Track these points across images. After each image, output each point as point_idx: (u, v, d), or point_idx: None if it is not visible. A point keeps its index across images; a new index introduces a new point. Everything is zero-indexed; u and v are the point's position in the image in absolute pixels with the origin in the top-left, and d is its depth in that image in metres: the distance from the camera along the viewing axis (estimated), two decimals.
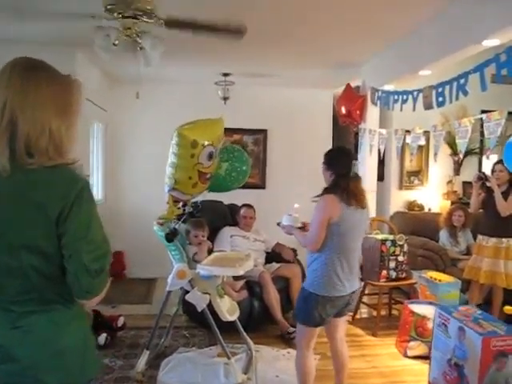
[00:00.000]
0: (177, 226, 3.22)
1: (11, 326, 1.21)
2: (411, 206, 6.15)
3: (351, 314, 4.23)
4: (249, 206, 4.52)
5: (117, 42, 2.56)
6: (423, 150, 5.98)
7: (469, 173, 5.65)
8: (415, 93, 3.62)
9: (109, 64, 4.84)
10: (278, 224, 2.83)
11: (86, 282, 1.22)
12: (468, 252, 4.78)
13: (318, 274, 2.53)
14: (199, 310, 3.06)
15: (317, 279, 2.53)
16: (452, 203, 5.67)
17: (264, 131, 6.18)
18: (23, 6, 3.11)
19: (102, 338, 3.52)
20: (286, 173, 6.12)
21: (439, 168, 5.95)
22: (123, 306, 4.54)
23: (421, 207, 6.15)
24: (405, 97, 3.74)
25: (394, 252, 4.19)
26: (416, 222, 5.52)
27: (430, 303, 3.76)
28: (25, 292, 1.22)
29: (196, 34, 2.89)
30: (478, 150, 5.86)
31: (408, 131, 4.20)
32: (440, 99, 3.25)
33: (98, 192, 5.43)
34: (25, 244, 1.19)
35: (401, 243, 4.23)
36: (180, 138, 3.02)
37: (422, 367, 3.37)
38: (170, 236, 3.08)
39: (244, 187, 5.98)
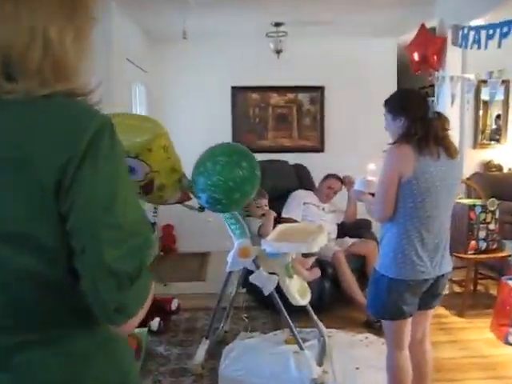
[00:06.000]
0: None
1: None
2: (488, 166, 5.45)
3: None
4: (338, 178, 3.86)
5: None
6: (502, 104, 5.26)
7: None
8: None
9: (148, 20, 4.38)
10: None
11: (111, 294, 0.71)
12: None
13: (390, 250, 1.97)
14: (266, 293, 2.61)
15: (388, 257, 1.96)
16: None
17: (321, 88, 5.52)
18: None
19: (155, 322, 3.16)
20: (347, 133, 5.47)
21: None
22: (175, 285, 4.16)
23: (498, 167, 5.45)
24: (506, 29, 3.02)
25: (484, 219, 3.57)
26: (499, 184, 4.81)
27: None
28: (13, 313, 0.74)
29: None
30: None
31: (484, 81, 3.46)
32: None
33: None
34: (4, 232, 0.70)
35: (492, 209, 3.60)
36: None
37: None
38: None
39: (300, 151, 5.51)
